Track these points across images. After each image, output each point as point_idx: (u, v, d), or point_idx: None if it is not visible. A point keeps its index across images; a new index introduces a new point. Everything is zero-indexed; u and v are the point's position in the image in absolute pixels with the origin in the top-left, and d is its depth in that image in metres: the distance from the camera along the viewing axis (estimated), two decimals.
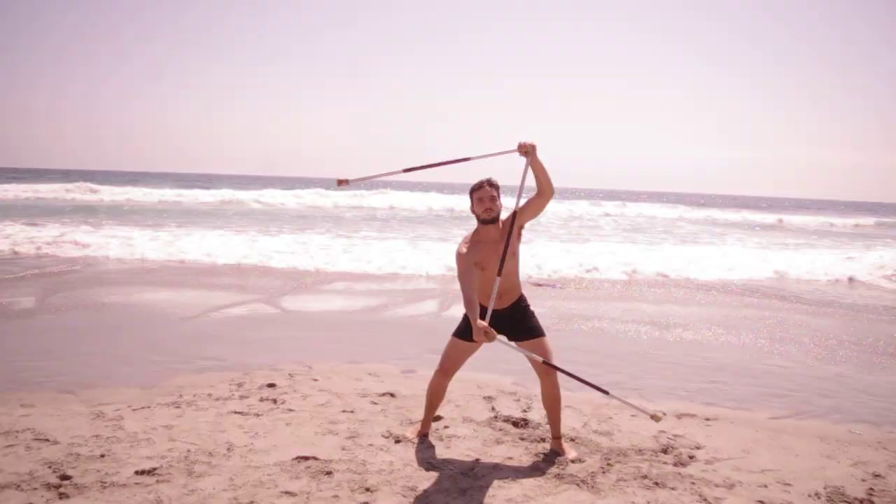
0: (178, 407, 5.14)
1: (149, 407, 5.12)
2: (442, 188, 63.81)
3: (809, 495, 4.07)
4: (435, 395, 4.72)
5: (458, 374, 5.89)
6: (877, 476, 4.41)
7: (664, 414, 4.26)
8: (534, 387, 5.81)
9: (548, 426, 4.93)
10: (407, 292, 11.06)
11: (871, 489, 4.20)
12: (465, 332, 4.46)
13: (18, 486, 3.77)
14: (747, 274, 14.74)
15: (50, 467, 4.01)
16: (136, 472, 3.96)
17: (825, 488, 4.17)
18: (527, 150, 4.13)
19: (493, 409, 5.36)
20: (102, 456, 4.20)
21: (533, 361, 4.36)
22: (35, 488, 3.75)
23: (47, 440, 4.43)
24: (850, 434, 5.23)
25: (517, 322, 4.44)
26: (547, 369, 4.35)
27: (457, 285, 4.45)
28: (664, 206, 54.58)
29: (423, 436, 4.74)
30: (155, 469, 4.01)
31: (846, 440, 5.07)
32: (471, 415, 5.19)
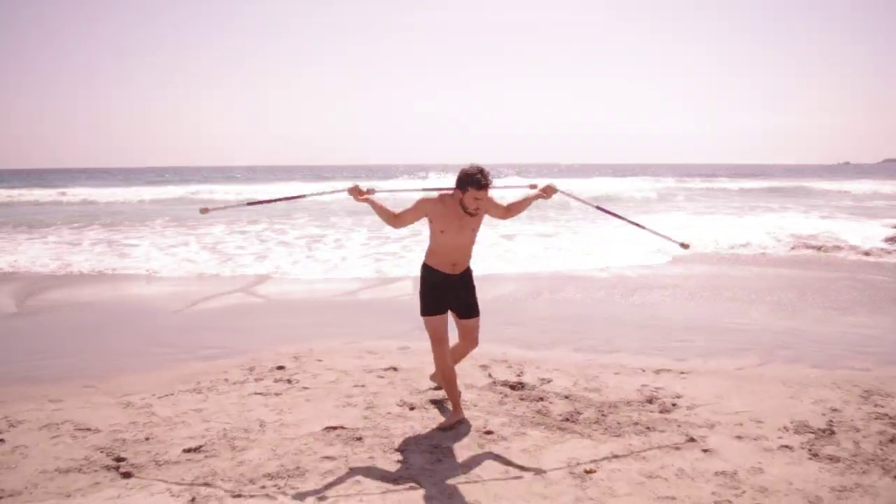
0: (199, 392, 5.52)
1: (172, 394, 5.49)
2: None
3: (779, 429, 4.68)
4: (450, 372, 4.85)
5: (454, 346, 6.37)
6: (834, 410, 5.04)
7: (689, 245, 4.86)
8: (523, 353, 6.38)
9: (543, 387, 5.49)
10: (376, 277, 11.48)
11: (831, 421, 4.82)
12: (429, 307, 4.79)
13: (80, 469, 4.14)
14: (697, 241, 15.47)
15: (102, 452, 4.38)
16: (184, 451, 4.36)
17: (792, 422, 4.78)
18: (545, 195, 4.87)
19: (489, 375, 5.85)
20: (147, 439, 4.58)
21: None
22: (96, 470, 4.12)
23: (89, 429, 4.77)
24: (808, 378, 5.86)
25: (466, 293, 4.89)
26: (471, 334, 5.00)
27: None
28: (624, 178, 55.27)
29: (459, 421, 4.82)
30: (200, 447, 4.41)
31: (805, 383, 5.70)
32: (472, 382, 5.67)
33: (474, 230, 4.78)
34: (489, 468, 4.09)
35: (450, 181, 5.02)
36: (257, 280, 11.03)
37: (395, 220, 4.68)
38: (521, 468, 4.09)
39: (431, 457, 4.24)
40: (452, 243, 4.72)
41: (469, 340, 5.07)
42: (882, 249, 14.09)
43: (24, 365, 6.43)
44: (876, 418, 4.88)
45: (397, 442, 4.46)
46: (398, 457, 4.24)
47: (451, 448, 4.36)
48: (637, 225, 5.04)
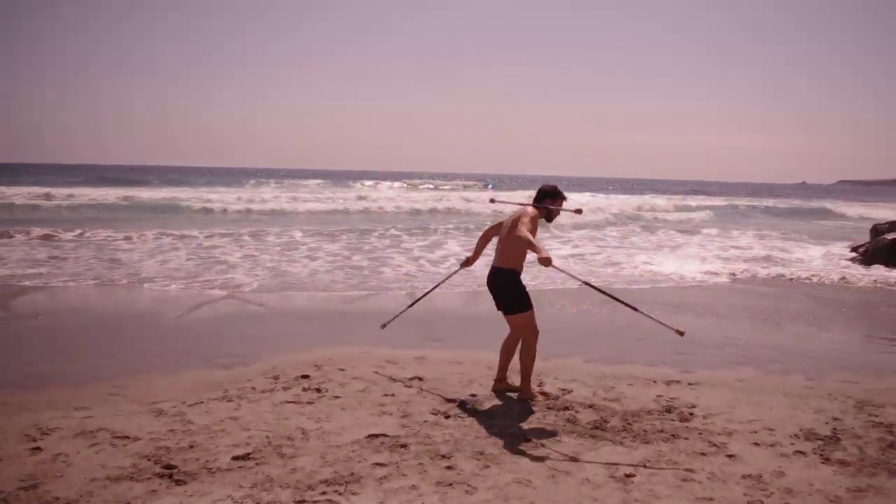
0: (230, 400, 5.62)
1: (202, 402, 5.57)
2: None
3: (790, 436, 5.01)
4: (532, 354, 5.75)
5: (469, 356, 6.56)
6: (835, 419, 5.41)
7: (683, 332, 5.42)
8: (538, 363, 6.62)
9: (566, 397, 5.74)
10: (361, 286, 11.64)
11: (835, 429, 5.19)
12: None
13: (132, 477, 4.18)
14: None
15: (149, 460, 4.43)
16: (233, 458, 4.46)
17: (801, 430, 5.13)
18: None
19: (512, 384, 6.05)
20: (191, 447, 4.65)
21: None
22: (149, 478, 4.17)
23: (127, 437, 4.81)
24: (806, 389, 6.22)
25: (502, 288, 5.64)
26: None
27: None
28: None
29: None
30: (249, 454, 4.51)
31: (803, 395, 6.05)
32: (492, 393, 5.88)
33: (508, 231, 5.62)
34: (536, 473, 4.29)
35: None
36: (242, 288, 11.09)
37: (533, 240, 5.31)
38: (566, 473, 4.30)
39: (479, 462, 4.42)
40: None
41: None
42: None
43: (36, 369, 6.45)
44: (873, 426, 5.26)
45: (442, 449, 4.63)
46: (446, 463, 4.41)
47: (495, 454, 4.55)
48: (632, 308, 5.47)
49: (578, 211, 6.01)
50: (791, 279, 13.64)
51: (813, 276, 13.90)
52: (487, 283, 5.76)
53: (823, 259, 16.85)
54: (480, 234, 6.10)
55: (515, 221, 5.51)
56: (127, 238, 17.21)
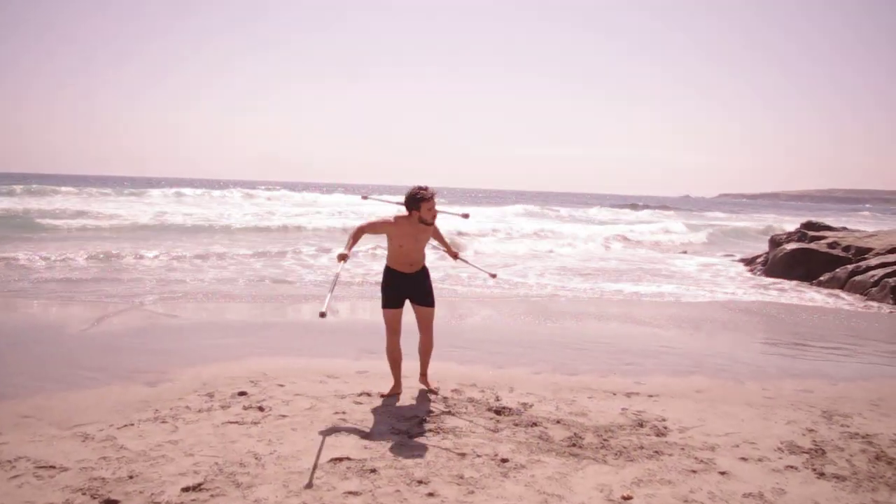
0: (164, 422, 5.01)
1: (133, 424, 4.95)
2: None
3: (774, 449, 4.83)
4: (395, 356, 5.78)
5: (413, 368, 6.08)
6: (810, 430, 5.27)
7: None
8: (485, 375, 6.29)
9: (530, 412, 5.41)
10: (280, 295, 11.07)
11: (814, 440, 5.04)
12: (387, 302, 5.70)
13: None
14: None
15: (84, 493, 3.83)
16: (183, 490, 3.89)
17: (782, 443, 4.95)
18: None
19: (470, 399, 5.67)
20: (131, 477, 4.05)
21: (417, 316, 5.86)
22: None
23: (53, 467, 4.18)
24: (767, 399, 6.10)
25: (420, 285, 5.76)
26: (427, 326, 5.80)
27: None
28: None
29: (397, 394, 5.75)
30: (200, 485, 3.95)
31: (767, 405, 5.93)
32: (451, 408, 5.47)
33: (426, 240, 5.79)
34: (527, 498, 3.92)
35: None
36: (152, 297, 10.31)
37: (360, 231, 5.49)
38: (559, 497, 3.95)
39: (461, 488, 4.01)
40: (409, 252, 5.63)
41: (425, 331, 5.84)
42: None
43: None
44: (850, 437, 5.15)
45: (416, 473, 4.19)
46: (425, 489, 3.98)
47: (476, 478, 4.15)
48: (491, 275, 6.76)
49: (465, 216, 6.69)
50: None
51: (710, 285, 14.13)
52: (406, 280, 5.70)
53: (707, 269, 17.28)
54: (381, 221, 5.66)
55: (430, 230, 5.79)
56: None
